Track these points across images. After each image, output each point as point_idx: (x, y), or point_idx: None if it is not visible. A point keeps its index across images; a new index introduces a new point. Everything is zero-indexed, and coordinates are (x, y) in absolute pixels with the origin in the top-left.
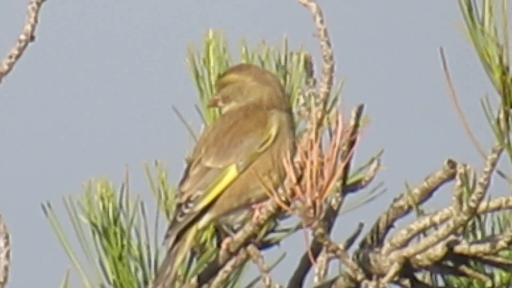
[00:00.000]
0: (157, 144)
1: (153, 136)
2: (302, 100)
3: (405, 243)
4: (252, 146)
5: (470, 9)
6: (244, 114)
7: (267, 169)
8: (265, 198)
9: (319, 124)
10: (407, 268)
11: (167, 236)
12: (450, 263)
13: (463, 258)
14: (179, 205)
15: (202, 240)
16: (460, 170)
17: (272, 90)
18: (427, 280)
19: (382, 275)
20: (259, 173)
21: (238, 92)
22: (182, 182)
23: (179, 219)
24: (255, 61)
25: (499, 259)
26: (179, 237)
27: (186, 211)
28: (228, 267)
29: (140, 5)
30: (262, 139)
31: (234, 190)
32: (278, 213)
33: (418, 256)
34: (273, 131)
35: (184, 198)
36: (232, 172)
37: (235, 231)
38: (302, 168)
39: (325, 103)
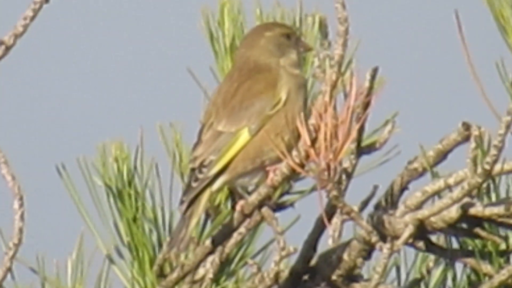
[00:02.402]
0: (172, 106)
1: (168, 98)
2: (317, 62)
3: (419, 206)
4: (264, 108)
5: None
6: (247, 74)
7: (279, 131)
8: (279, 160)
9: (334, 86)
10: (421, 231)
11: (181, 202)
12: (464, 226)
13: (478, 221)
14: (192, 170)
15: (217, 202)
16: (474, 132)
17: (257, 53)
18: (441, 242)
19: (396, 237)
20: (271, 136)
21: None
22: (195, 147)
23: (193, 184)
24: None
25: None
26: (193, 200)
27: (200, 176)
28: (242, 229)
29: None
30: (273, 101)
31: (247, 153)
32: (292, 175)
33: (433, 219)
34: (283, 95)
35: (197, 163)
36: (244, 136)
37: (249, 193)
38: (317, 131)
39: (340, 65)
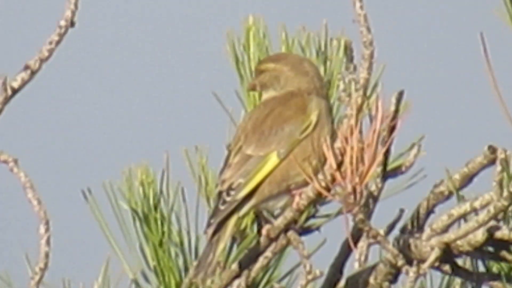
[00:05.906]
0: (198, 130)
1: (194, 122)
2: (342, 86)
3: (445, 229)
4: (293, 133)
5: None
6: (279, 102)
7: (307, 156)
8: (305, 184)
9: (359, 110)
10: (447, 254)
11: (209, 225)
12: (490, 249)
13: (504, 244)
14: (220, 193)
15: (243, 226)
16: (500, 155)
17: (310, 80)
18: (467, 265)
19: (422, 260)
20: (299, 160)
21: (275, 81)
22: (222, 171)
23: (221, 207)
24: (295, 47)
25: None
26: (220, 225)
27: (228, 199)
28: (268, 253)
29: None
30: (303, 125)
31: (274, 177)
32: (318, 199)
33: (459, 242)
34: (313, 117)
35: (225, 186)
36: (273, 160)
37: (275, 217)
38: (342, 154)
39: (365, 89)
